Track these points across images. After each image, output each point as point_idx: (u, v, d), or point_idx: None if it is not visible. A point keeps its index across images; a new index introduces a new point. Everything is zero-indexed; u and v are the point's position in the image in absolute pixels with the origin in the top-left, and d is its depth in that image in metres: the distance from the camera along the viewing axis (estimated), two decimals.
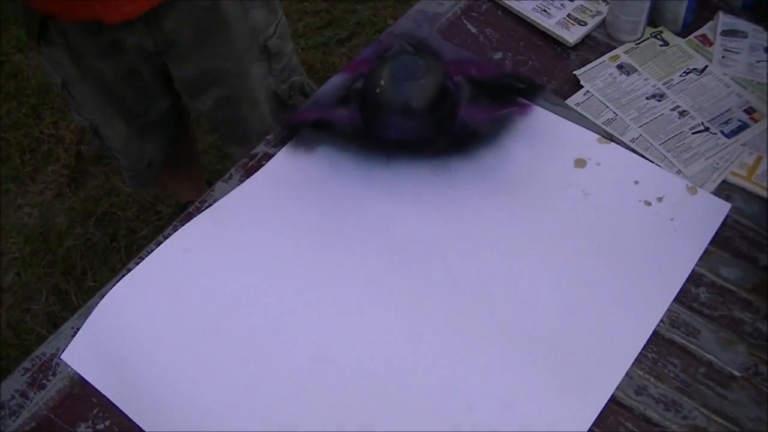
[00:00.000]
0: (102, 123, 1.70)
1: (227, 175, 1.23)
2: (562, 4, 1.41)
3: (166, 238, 1.16)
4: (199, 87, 1.63)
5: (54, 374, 1.05)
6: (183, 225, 1.17)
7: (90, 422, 1.01)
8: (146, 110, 1.72)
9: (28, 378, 1.05)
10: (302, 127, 1.26)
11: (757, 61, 1.33)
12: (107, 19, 1.40)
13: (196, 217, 1.18)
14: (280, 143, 1.26)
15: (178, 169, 2.16)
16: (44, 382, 1.05)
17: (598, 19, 1.39)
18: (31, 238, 2.45)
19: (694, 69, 1.33)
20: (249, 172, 1.23)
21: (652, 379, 1.03)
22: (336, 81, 1.31)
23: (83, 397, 1.03)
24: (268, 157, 1.24)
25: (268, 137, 1.26)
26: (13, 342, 2.22)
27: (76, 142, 2.66)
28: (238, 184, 1.21)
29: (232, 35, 1.52)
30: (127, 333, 1.08)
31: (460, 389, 1.02)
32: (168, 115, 1.78)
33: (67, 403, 1.03)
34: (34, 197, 2.56)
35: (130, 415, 1.01)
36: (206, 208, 1.19)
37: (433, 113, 1.20)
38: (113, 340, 1.07)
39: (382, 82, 1.19)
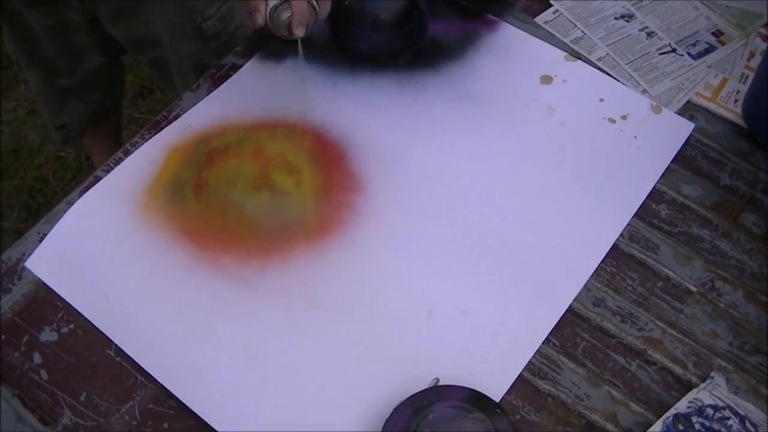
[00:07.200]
0: (24, 65, 1.63)
1: (195, 86, 1.22)
2: None
3: (133, 146, 1.16)
4: (133, 47, 1.59)
5: (20, 278, 1.05)
6: (151, 135, 1.17)
7: (55, 325, 1.02)
8: (73, 70, 1.64)
9: None
10: (271, 39, 1.26)
11: None
12: None
13: (165, 129, 1.17)
14: (248, 54, 1.25)
15: (98, 137, 2.04)
16: (10, 286, 1.05)
17: None
18: (2, 155, 2.44)
19: None
20: (217, 82, 1.22)
21: (609, 291, 1.05)
22: None
23: (48, 301, 1.04)
24: (236, 68, 1.24)
25: (236, 48, 1.26)
26: None
27: None
28: (206, 95, 1.21)
29: (165, 8, 1.46)
30: (93, 242, 1.08)
31: (420, 297, 1.03)
32: (97, 77, 1.70)
33: (32, 306, 1.03)
34: (6, 114, 2.54)
35: (95, 323, 1.02)
36: (174, 117, 1.18)
37: (402, 27, 1.21)
38: (79, 248, 1.07)
39: None
